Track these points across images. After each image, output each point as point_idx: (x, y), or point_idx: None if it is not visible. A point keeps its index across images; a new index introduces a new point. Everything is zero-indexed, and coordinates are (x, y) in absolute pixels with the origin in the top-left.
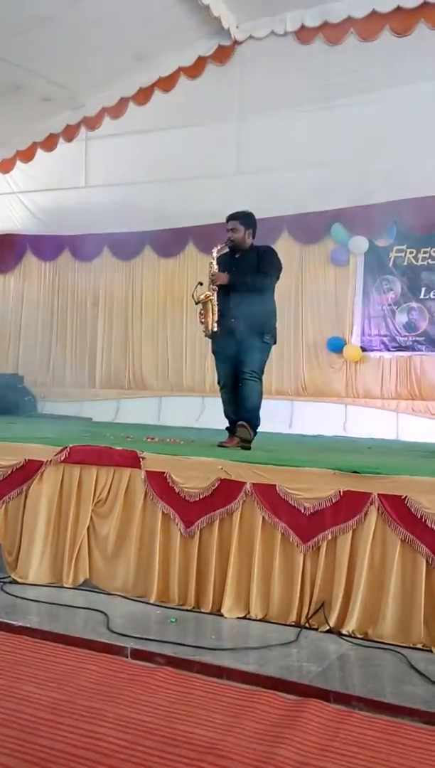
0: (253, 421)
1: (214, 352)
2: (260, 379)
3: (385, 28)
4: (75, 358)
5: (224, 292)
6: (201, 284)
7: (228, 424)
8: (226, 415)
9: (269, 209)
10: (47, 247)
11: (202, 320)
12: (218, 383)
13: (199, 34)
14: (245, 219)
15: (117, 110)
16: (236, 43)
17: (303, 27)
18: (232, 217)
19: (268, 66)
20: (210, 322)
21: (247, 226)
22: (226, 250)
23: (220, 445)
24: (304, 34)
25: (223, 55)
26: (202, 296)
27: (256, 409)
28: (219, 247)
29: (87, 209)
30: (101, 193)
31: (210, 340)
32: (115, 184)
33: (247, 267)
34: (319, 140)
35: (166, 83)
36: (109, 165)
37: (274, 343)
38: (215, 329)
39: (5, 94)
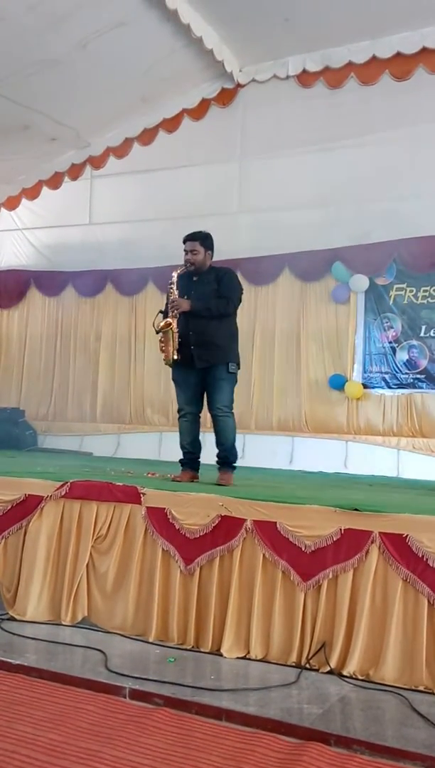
0: (232, 459)
1: (174, 380)
2: (232, 413)
3: (385, 72)
4: (76, 392)
5: (184, 316)
6: (162, 312)
7: (182, 457)
8: (182, 446)
9: (271, 247)
10: (51, 282)
11: (163, 348)
12: (178, 412)
13: (203, 77)
14: (205, 240)
15: (122, 150)
16: (239, 86)
17: (305, 71)
18: (191, 238)
19: (269, 108)
20: (171, 351)
21: (206, 247)
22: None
23: (174, 480)
24: (305, 78)
25: (226, 97)
26: (163, 324)
27: (233, 445)
28: (179, 272)
29: (91, 246)
30: (105, 230)
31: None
32: (118, 222)
33: (206, 290)
34: (320, 180)
35: (170, 124)
36: (113, 203)
37: (238, 368)
38: (176, 357)
39: (13, 134)
